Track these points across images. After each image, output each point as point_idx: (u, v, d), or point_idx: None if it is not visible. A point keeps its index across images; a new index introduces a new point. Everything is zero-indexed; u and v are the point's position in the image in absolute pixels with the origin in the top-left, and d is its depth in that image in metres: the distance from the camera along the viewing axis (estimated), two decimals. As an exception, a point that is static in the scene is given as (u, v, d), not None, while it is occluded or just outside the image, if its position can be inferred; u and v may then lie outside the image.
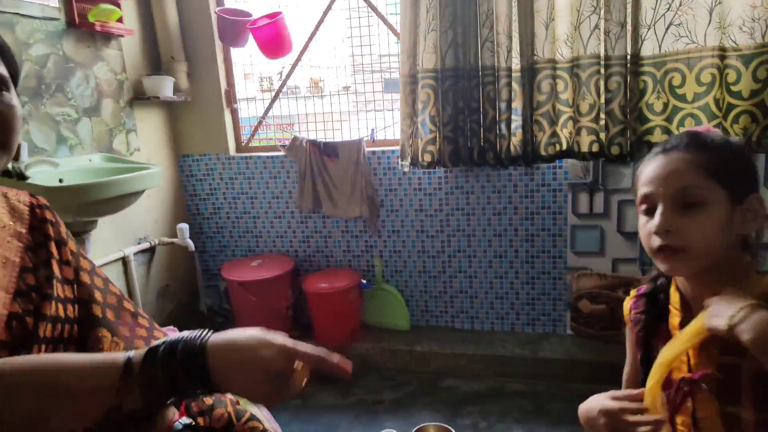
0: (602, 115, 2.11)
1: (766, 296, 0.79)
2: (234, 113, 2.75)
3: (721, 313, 0.79)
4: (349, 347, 2.58)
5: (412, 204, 2.58)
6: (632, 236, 2.36)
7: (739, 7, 1.88)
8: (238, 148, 2.79)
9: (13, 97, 0.78)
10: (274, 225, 2.78)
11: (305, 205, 2.64)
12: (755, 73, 1.94)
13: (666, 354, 0.87)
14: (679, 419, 0.90)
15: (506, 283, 2.56)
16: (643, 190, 0.89)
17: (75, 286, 0.88)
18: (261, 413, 1.30)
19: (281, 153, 2.65)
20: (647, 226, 0.89)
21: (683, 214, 0.85)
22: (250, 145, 2.80)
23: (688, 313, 0.91)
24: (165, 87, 2.48)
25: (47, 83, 2.05)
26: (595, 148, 2.15)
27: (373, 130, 2.56)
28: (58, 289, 0.84)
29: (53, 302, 0.81)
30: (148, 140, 2.58)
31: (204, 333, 0.72)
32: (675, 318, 0.93)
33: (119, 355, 0.69)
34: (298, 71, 2.76)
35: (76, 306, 0.87)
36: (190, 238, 2.61)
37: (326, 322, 2.61)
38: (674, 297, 0.94)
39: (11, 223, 0.84)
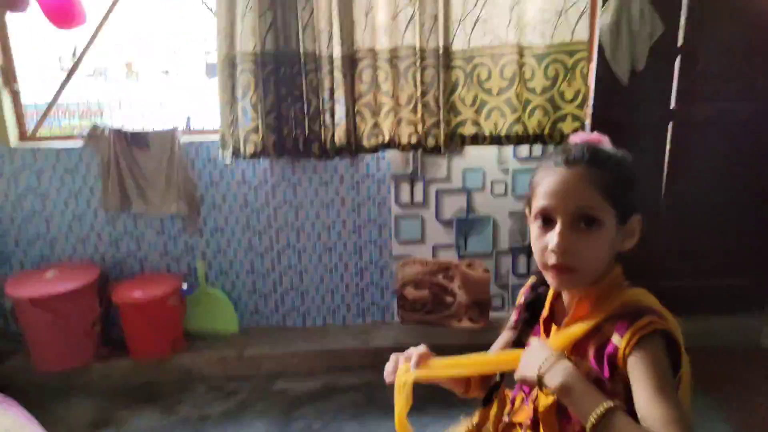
0: (419, 107, 2.19)
1: (626, 310, 0.85)
2: (15, 95, 2.32)
3: (530, 363, 0.85)
4: (170, 360, 2.34)
5: (237, 198, 2.42)
6: (449, 223, 2.50)
7: (533, 8, 2.08)
8: (22, 137, 2.36)
9: None
10: (74, 227, 2.41)
11: (111, 203, 2.33)
12: (546, 70, 2.17)
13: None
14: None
15: (336, 276, 2.53)
16: (542, 202, 0.88)
17: None
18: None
19: (78, 143, 2.30)
20: (544, 240, 0.87)
21: (580, 233, 0.85)
22: (37, 134, 2.39)
23: (553, 311, 0.97)
24: None
25: None
26: (413, 139, 2.22)
27: (188, 118, 2.35)
28: None
29: None
30: None
31: None
32: (545, 312, 0.98)
33: None
34: (108, 51, 2.43)
35: None
36: (-42, 247, 2.14)
37: (142, 335, 2.33)
38: (550, 292, 0.98)
39: None
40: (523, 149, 2.41)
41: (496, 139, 2.23)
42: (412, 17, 2.08)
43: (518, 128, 2.21)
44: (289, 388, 2.28)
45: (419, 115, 2.19)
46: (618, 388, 0.83)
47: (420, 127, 2.20)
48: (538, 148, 2.40)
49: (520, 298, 1.06)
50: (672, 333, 0.82)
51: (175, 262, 2.48)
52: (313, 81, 2.16)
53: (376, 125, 2.24)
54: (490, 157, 2.43)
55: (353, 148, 2.24)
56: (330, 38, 2.10)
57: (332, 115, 2.19)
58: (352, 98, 2.19)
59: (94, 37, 2.34)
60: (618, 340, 0.82)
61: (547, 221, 0.88)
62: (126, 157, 2.29)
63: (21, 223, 2.39)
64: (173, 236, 2.45)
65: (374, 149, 2.26)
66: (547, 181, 0.88)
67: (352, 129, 2.22)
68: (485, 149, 2.33)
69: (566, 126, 2.21)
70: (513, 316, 1.07)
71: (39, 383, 2.25)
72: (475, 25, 2.10)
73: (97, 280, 2.32)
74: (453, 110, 2.23)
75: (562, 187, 0.86)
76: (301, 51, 2.13)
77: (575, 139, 0.94)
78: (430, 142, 2.21)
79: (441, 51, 2.11)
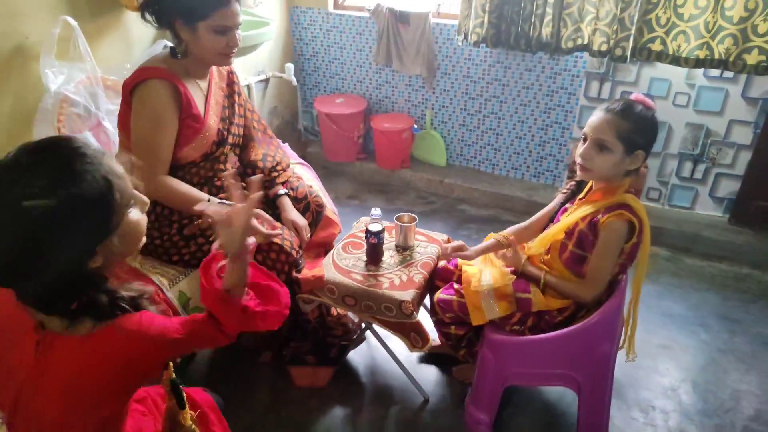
0: (615, 22, 2.61)
1: (614, 204, 1.54)
2: (334, -24, 3.41)
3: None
4: (398, 171, 3.54)
5: (462, 70, 3.27)
6: (626, 121, 2.97)
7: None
8: (335, 6, 3.51)
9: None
10: (356, 72, 3.60)
11: (380, 59, 3.40)
12: (747, 2, 2.35)
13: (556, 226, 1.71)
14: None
15: (524, 142, 3.30)
16: (585, 128, 1.57)
17: (244, 118, 1.86)
18: (320, 192, 2.28)
19: (366, 15, 3.35)
20: (579, 149, 1.59)
21: (596, 151, 1.53)
22: (344, 4, 3.50)
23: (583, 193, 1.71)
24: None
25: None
26: (604, 47, 2.69)
27: (439, 4, 3.16)
28: (237, 119, 1.81)
29: (235, 126, 1.79)
30: (268, -7, 3.37)
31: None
32: (582, 194, 1.71)
33: (205, 196, 1.71)
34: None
35: (243, 129, 1.86)
36: (294, 74, 3.50)
37: (385, 151, 3.53)
38: (589, 184, 1.70)
39: (218, 80, 1.79)
40: (716, 70, 2.65)
41: (676, 60, 2.56)
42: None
43: (700, 53, 2.49)
44: (467, 210, 3.31)
45: (615, 27, 2.62)
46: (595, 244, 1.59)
47: (612, 39, 2.65)
48: (728, 73, 2.63)
49: (573, 180, 1.79)
50: (633, 222, 1.52)
51: (413, 107, 3.54)
52: (528, -8, 2.73)
53: (577, 29, 2.75)
54: (680, 71, 2.74)
55: (553, 47, 2.82)
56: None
57: (541, 20, 2.77)
58: (560, 7, 2.72)
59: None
60: (601, 218, 1.55)
61: (585, 140, 1.58)
62: (393, 28, 3.27)
63: (327, 63, 3.66)
64: (415, 89, 3.47)
65: (570, 51, 2.81)
66: (593, 116, 1.55)
67: (555, 32, 2.78)
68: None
69: (751, 58, 2.41)
70: (566, 186, 1.81)
71: (324, 165, 3.68)
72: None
73: (364, 110, 3.53)
74: (647, 27, 2.59)
75: (596, 123, 1.53)
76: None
77: (631, 96, 1.57)
78: (618, 52, 2.66)
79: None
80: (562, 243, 1.67)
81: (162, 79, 1.62)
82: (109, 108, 2.08)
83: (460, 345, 1.91)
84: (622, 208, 1.53)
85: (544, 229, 1.83)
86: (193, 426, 1.13)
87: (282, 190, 1.97)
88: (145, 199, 0.96)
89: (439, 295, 1.83)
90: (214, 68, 1.81)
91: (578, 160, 1.58)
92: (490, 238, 1.90)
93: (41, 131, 1.93)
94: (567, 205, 1.75)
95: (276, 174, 1.96)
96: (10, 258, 0.80)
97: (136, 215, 0.93)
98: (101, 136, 2.11)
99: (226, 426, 1.28)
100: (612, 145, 1.50)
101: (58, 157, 0.82)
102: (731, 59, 2.46)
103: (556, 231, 1.68)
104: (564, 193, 1.82)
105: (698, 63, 2.53)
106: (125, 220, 0.89)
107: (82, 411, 0.92)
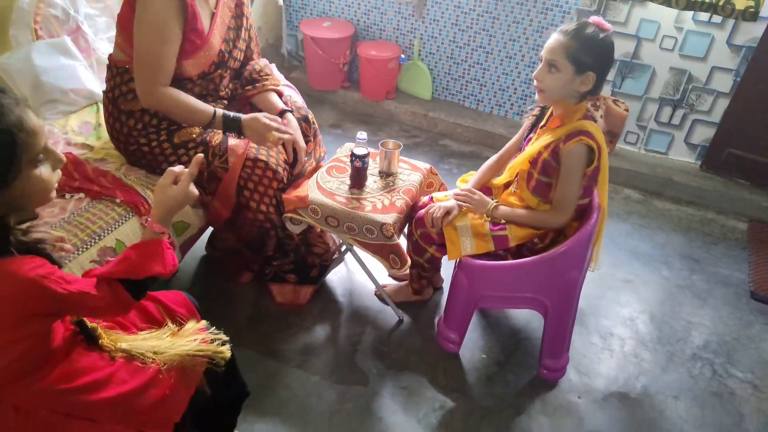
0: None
1: (573, 131, 1.58)
2: None
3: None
4: (382, 103, 3.51)
5: (453, 0, 3.19)
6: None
7: None
8: None
9: None
10: (344, -5, 3.49)
11: (370, -17, 3.30)
12: (743, -55, 2.33)
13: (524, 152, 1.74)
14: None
15: (509, 79, 3.29)
16: (542, 51, 1.59)
17: (246, 43, 1.83)
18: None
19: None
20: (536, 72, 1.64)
21: (548, 72, 1.57)
22: None
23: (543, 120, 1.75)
24: None
25: None
26: (597, -16, 2.66)
27: (434, -72, 3.04)
28: (240, 44, 1.78)
29: (237, 50, 1.77)
30: None
31: (240, 115, 1.77)
32: (543, 121, 1.75)
33: (211, 108, 1.73)
34: None
35: (244, 54, 1.83)
36: (280, -7, 3.38)
37: (370, 81, 3.48)
38: (550, 110, 1.74)
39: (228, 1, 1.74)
40: (704, 14, 2.65)
41: (667, 0, 2.55)
42: None
43: (692, -5, 2.49)
44: (449, 144, 3.33)
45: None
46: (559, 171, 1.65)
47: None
48: (717, 18, 2.63)
49: (528, 111, 1.83)
50: (592, 146, 1.58)
51: (402, 36, 3.47)
52: None
53: (572, -36, 2.70)
54: (670, 14, 2.73)
55: (546, -20, 2.77)
56: None
57: (537, -50, 2.70)
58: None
59: None
60: (562, 145, 1.61)
61: (541, 62, 1.62)
62: (385, -50, 3.15)
63: (315, -17, 3.53)
64: (405, 17, 3.39)
65: (563, -15, 2.77)
66: (549, 39, 1.57)
67: (550, -36, 2.72)
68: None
69: (739, 3, 2.42)
70: (531, 112, 1.83)
71: (307, 93, 3.63)
72: None
73: (351, 36, 3.44)
74: (642, -36, 2.56)
75: (549, 45, 1.56)
76: None
77: (588, 18, 1.58)
78: (609, -11, 2.63)
79: None
80: (528, 172, 1.73)
81: None
82: (88, 12, 1.99)
83: (423, 274, 1.99)
84: (581, 134, 1.58)
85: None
86: (119, 345, 1.16)
87: (287, 108, 1.97)
88: (61, 157, 0.97)
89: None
90: None
91: (535, 83, 1.62)
92: (464, 181, 1.94)
93: (18, 32, 1.85)
94: (531, 135, 1.79)
95: (260, 77, 1.95)
96: None
97: (45, 171, 0.94)
98: (80, 41, 2.04)
99: (198, 319, 1.35)
100: (561, 65, 1.53)
101: None
102: (720, 3, 2.47)
103: (521, 161, 1.73)
104: (530, 119, 1.85)
105: (688, 5, 2.53)
106: (29, 174, 0.91)
107: None
